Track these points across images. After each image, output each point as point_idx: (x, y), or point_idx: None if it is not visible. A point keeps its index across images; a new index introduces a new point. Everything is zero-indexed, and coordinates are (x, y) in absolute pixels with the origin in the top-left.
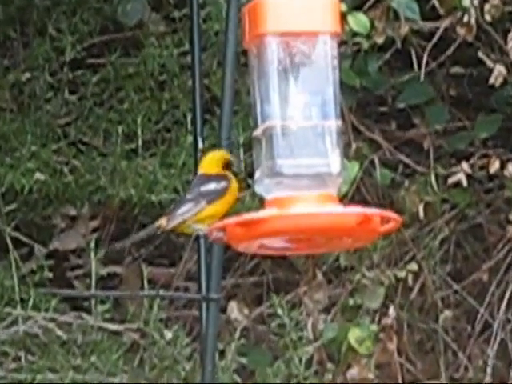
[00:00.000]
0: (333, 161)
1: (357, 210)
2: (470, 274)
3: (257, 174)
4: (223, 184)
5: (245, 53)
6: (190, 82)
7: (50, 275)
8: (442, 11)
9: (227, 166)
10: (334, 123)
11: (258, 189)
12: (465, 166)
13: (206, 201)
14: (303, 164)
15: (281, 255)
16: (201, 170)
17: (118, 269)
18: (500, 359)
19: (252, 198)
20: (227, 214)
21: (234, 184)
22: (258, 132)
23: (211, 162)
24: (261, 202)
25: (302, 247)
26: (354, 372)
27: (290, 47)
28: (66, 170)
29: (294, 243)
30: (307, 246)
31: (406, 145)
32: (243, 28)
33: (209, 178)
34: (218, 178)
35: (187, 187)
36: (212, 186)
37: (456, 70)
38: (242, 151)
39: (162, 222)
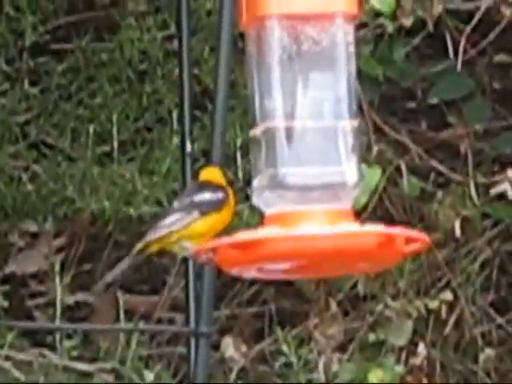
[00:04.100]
0: (347, 169)
1: (376, 229)
2: None
3: (255, 183)
4: (220, 195)
5: (243, 36)
6: (176, 72)
7: (6, 304)
8: None
9: (230, 184)
10: (348, 124)
11: (257, 201)
12: (510, 173)
13: (198, 211)
14: (311, 173)
15: (285, 280)
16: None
17: (88, 297)
18: None
19: (252, 211)
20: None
21: (232, 200)
22: (256, 132)
23: (213, 173)
24: (260, 216)
25: (308, 271)
26: None
27: (296, 32)
28: (25, 177)
29: (298, 267)
30: (315, 270)
31: (440, 148)
32: (240, 6)
33: (203, 187)
34: (214, 187)
35: (174, 198)
36: (207, 195)
37: (500, 58)
38: (239, 155)
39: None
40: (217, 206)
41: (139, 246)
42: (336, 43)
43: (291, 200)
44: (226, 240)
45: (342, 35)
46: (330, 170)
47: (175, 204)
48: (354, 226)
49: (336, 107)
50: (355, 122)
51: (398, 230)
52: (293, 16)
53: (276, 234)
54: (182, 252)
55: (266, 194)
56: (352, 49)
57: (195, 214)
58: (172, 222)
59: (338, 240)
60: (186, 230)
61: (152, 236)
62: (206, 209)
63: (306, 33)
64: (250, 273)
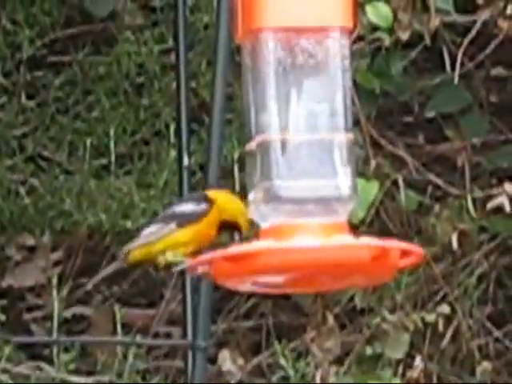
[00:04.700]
0: (342, 182)
1: (371, 241)
2: None
3: (250, 196)
4: (202, 207)
5: (239, 49)
6: (173, 85)
7: (3, 317)
8: (480, 1)
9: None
10: (343, 137)
11: (252, 214)
12: (508, 187)
13: (176, 223)
14: (306, 186)
15: (282, 294)
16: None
17: (85, 310)
18: None
19: (250, 224)
20: (212, 246)
21: (217, 213)
22: (251, 146)
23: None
24: (256, 229)
25: (303, 285)
26: None
27: (291, 45)
28: (22, 190)
29: (293, 280)
30: (310, 284)
31: (437, 162)
32: (235, 19)
33: (188, 198)
34: (198, 199)
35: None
36: (189, 207)
37: (497, 71)
38: (236, 169)
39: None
40: (195, 217)
41: (122, 253)
42: (331, 57)
43: (286, 213)
44: (219, 252)
45: (338, 49)
46: (325, 183)
47: (160, 215)
48: (348, 239)
49: (331, 120)
50: (351, 136)
51: (392, 243)
52: (288, 29)
53: (269, 246)
54: (164, 263)
55: (261, 208)
56: (347, 62)
57: (172, 225)
58: (151, 233)
59: (331, 253)
60: (164, 240)
61: (131, 245)
62: (183, 220)
63: (301, 46)
64: (245, 286)
